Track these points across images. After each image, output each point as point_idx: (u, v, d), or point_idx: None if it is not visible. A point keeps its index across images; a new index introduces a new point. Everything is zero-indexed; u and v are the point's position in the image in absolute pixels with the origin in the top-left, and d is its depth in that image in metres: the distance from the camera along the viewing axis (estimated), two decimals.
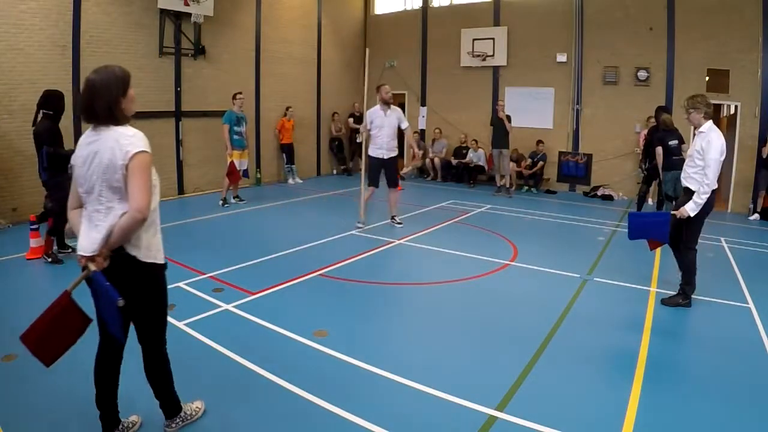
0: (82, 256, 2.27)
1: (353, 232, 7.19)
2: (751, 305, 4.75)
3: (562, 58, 11.31)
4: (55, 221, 5.57)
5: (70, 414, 2.80)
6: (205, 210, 8.32)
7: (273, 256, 5.96)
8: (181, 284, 4.85)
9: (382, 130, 7.31)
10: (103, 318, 2.36)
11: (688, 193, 4.52)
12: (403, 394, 3.13)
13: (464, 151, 12.41)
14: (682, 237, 4.64)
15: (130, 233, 2.24)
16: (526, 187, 11.59)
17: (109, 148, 2.22)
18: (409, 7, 13.88)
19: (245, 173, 9.19)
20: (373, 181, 7.55)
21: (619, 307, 4.72)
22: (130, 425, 2.65)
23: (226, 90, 9.66)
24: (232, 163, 8.63)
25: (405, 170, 11.23)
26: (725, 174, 9.24)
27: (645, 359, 3.63)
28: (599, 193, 10.92)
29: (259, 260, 5.78)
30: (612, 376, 3.44)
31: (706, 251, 6.38)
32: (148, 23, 8.96)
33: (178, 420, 2.67)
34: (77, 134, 7.81)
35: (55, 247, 5.82)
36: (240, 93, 9.02)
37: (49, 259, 5.57)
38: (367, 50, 8.32)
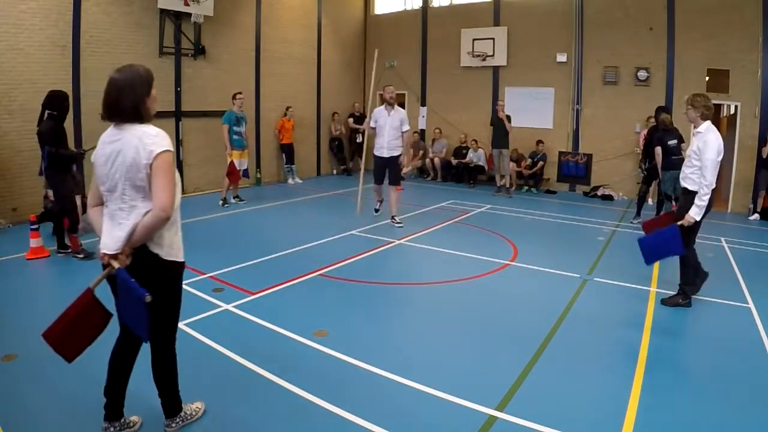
0: (105, 254, 2.29)
1: (353, 231, 7.19)
2: (751, 305, 4.76)
3: (562, 58, 11.31)
4: (65, 220, 5.62)
5: (70, 414, 2.80)
6: (205, 210, 8.31)
7: (273, 256, 5.96)
8: (182, 286, 4.85)
9: (383, 130, 7.53)
10: (126, 317, 2.38)
11: (687, 193, 4.51)
12: (403, 394, 3.13)
13: (464, 151, 12.41)
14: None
15: (153, 232, 2.27)
16: (526, 187, 11.59)
17: (133, 147, 2.24)
18: (409, 7, 13.88)
19: (245, 173, 9.20)
20: (376, 179, 7.86)
21: (619, 307, 4.72)
22: (131, 424, 2.66)
23: (226, 90, 9.66)
24: (231, 163, 8.64)
25: (405, 170, 11.25)
26: (725, 174, 9.26)
27: (645, 359, 3.63)
28: (599, 193, 10.92)
29: (259, 260, 5.78)
30: (612, 376, 3.44)
31: (706, 251, 6.38)
32: (148, 23, 8.97)
33: (178, 420, 2.67)
34: (77, 134, 7.83)
35: (54, 247, 5.83)
36: (240, 93, 9.02)
37: (81, 256, 5.60)
38: (376, 51, 8.49)
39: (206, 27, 9.81)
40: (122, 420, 2.62)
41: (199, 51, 9.81)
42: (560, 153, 11.45)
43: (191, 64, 9.81)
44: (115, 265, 2.25)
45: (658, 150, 7.43)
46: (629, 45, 10.51)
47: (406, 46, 13.55)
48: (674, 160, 7.30)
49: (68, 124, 7.23)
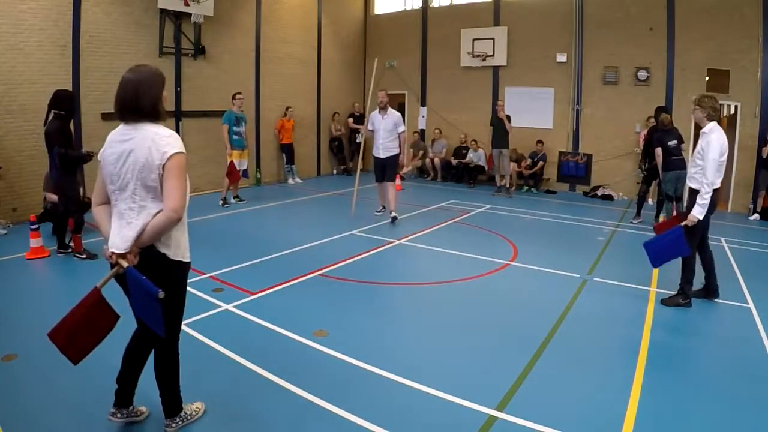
0: (113, 253, 2.29)
1: (353, 231, 7.20)
2: (751, 305, 4.76)
3: (562, 58, 11.31)
4: (70, 220, 5.63)
5: (69, 414, 2.80)
6: (205, 210, 8.31)
7: (273, 256, 5.96)
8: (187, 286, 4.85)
9: (378, 132, 7.98)
10: (141, 315, 2.38)
11: (693, 193, 4.54)
12: (403, 394, 3.12)
13: (464, 151, 12.41)
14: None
15: (163, 232, 2.29)
16: (526, 187, 11.60)
17: (146, 147, 2.25)
18: (409, 7, 13.89)
19: (245, 173, 9.20)
20: (376, 178, 8.19)
21: (619, 307, 4.72)
22: (139, 413, 2.70)
23: (226, 90, 9.66)
24: (231, 163, 8.64)
25: (405, 170, 11.30)
26: (725, 174, 9.24)
27: (645, 359, 3.63)
28: (599, 193, 10.92)
29: (259, 260, 5.78)
30: (612, 376, 3.44)
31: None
32: (148, 23, 8.97)
33: (178, 420, 2.66)
34: (77, 134, 7.82)
35: (54, 247, 5.83)
36: (239, 93, 9.03)
37: (83, 256, 5.59)
38: (376, 60, 8.72)
39: (206, 27, 9.82)
40: (130, 408, 2.66)
41: (199, 51, 9.82)
42: (560, 153, 11.45)
43: (191, 64, 9.81)
44: (124, 264, 2.25)
45: (659, 151, 7.42)
46: (629, 45, 10.51)
47: (406, 46, 13.55)
48: (675, 160, 7.31)
49: None
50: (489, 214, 8.94)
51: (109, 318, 2.36)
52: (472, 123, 12.49)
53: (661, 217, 8.01)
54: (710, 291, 4.82)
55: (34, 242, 5.70)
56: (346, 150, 13.53)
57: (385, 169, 7.97)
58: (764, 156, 8.85)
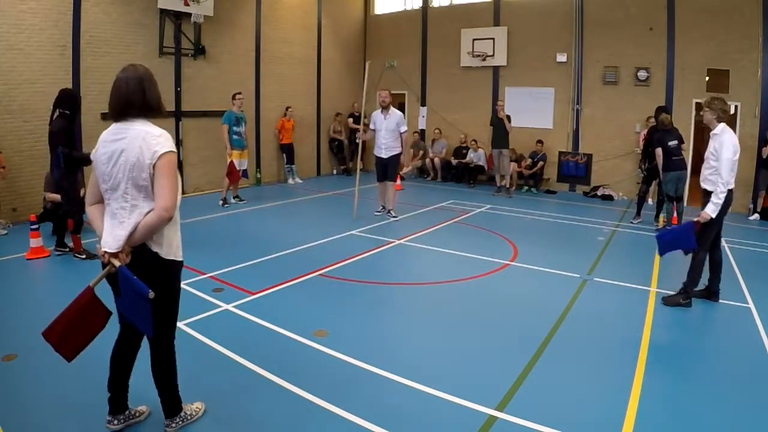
0: (106, 252, 2.29)
1: (353, 231, 7.20)
2: (751, 305, 4.76)
3: (562, 58, 11.30)
4: (69, 221, 5.63)
5: (70, 414, 2.80)
6: (205, 210, 8.31)
7: (273, 256, 5.96)
8: (181, 284, 4.85)
9: (380, 132, 8.00)
10: (129, 314, 2.39)
11: (706, 195, 4.57)
12: (403, 393, 3.12)
13: (464, 151, 12.41)
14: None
15: (154, 231, 2.30)
16: (526, 187, 11.59)
17: (136, 146, 2.26)
18: (409, 7, 13.88)
19: (245, 173, 9.19)
20: (377, 177, 8.24)
21: (619, 307, 4.72)
22: (138, 414, 2.70)
23: (226, 90, 9.66)
24: (231, 163, 8.64)
25: (405, 170, 11.28)
26: None
27: (645, 359, 3.63)
28: (599, 193, 10.92)
29: (259, 260, 5.78)
30: (612, 376, 3.43)
31: None
32: (148, 23, 8.97)
33: (178, 420, 2.66)
34: (77, 134, 7.81)
35: (53, 246, 5.83)
36: (239, 93, 9.03)
37: (83, 256, 5.60)
38: (368, 63, 8.73)
39: (206, 27, 9.81)
40: (126, 413, 2.66)
41: (199, 51, 9.81)
42: (560, 153, 11.44)
43: (191, 64, 9.81)
44: (116, 263, 2.25)
45: (659, 151, 7.42)
46: (629, 45, 10.51)
47: (406, 46, 13.55)
48: (675, 161, 7.31)
49: None
50: (489, 214, 8.94)
51: (101, 316, 2.37)
52: (472, 123, 12.49)
53: (661, 217, 8.01)
54: (711, 293, 4.83)
55: (34, 242, 5.71)
56: (346, 150, 13.52)
57: (387, 169, 8.00)
58: (764, 156, 8.85)
